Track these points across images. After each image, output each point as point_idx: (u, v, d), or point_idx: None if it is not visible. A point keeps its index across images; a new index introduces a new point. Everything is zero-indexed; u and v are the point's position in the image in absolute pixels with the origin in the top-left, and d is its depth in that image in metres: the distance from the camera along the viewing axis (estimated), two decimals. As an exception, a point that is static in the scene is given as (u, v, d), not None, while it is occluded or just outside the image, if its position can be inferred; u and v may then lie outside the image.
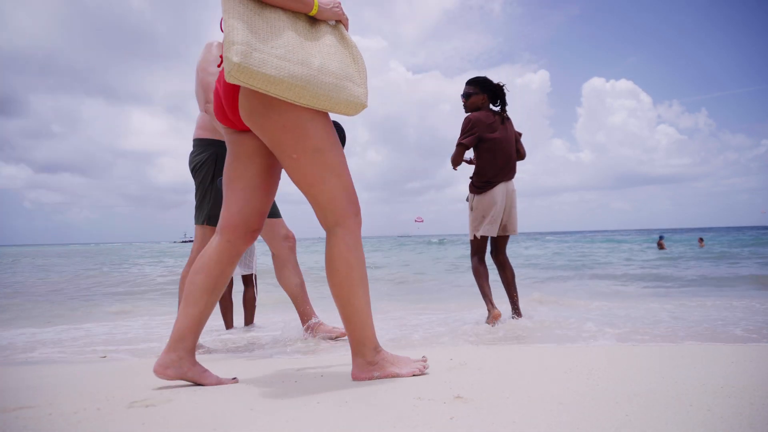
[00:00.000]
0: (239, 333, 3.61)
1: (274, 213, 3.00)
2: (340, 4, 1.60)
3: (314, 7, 1.52)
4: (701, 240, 20.15)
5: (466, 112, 3.60)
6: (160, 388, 1.58)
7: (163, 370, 1.58)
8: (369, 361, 1.60)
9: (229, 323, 3.77)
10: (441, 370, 1.69)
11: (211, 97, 2.59)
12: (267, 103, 1.47)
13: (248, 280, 3.87)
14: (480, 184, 3.51)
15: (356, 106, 1.54)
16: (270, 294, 5.59)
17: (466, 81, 3.64)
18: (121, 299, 7.03)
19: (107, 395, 1.49)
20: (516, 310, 3.51)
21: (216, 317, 4.15)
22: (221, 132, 2.11)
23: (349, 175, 1.60)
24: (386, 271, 11.19)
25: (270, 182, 1.70)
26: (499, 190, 3.49)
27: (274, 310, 5.57)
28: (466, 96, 3.58)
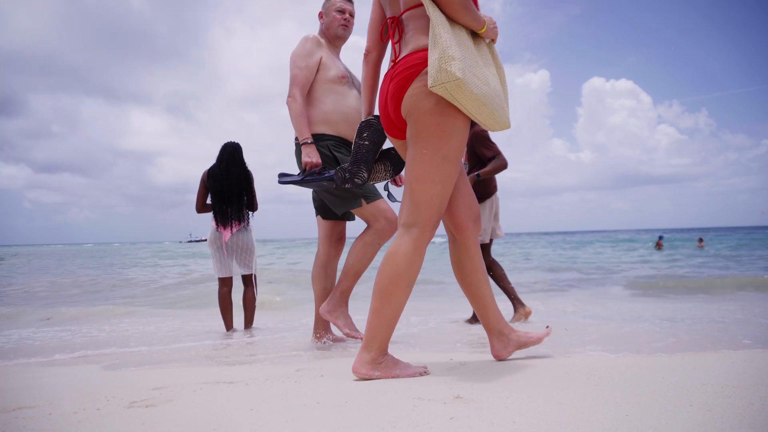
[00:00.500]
0: (240, 336, 3.61)
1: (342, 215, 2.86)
2: (497, 24, 1.72)
3: (484, 26, 1.65)
4: (700, 240, 20.12)
5: None
6: (160, 388, 1.58)
7: (502, 352, 1.85)
8: (374, 359, 1.63)
9: (229, 324, 3.77)
10: (441, 370, 1.69)
11: (292, 90, 2.59)
12: (435, 103, 1.58)
13: (248, 280, 3.87)
14: (482, 194, 3.66)
15: (506, 126, 1.71)
16: (268, 295, 5.58)
17: None
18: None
19: (107, 395, 1.49)
20: (518, 303, 3.60)
21: (217, 319, 4.15)
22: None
23: (450, 191, 1.68)
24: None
25: (464, 176, 1.86)
26: (494, 199, 3.70)
27: (273, 311, 5.58)
28: None
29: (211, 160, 3.88)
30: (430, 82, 1.51)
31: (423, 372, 1.66)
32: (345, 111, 2.68)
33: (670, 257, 13.94)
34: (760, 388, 1.32)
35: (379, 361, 1.63)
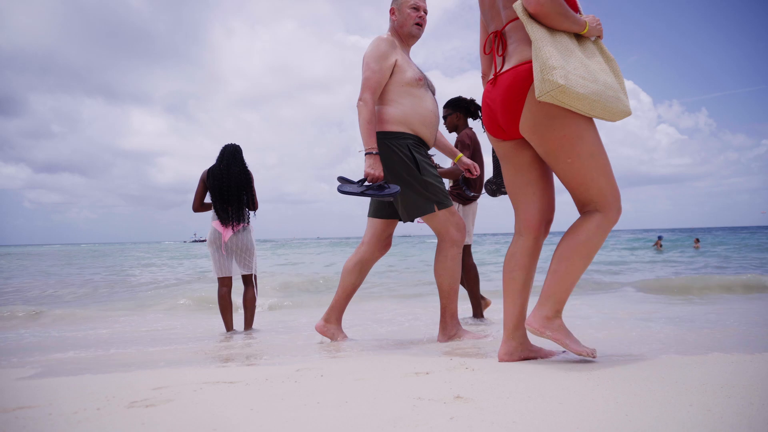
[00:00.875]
0: (240, 336, 3.61)
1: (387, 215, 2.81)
2: (599, 21, 1.80)
3: (585, 27, 1.73)
4: (697, 241, 20.09)
5: (449, 132, 3.90)
6: (160, 388, 1.58)
7: (509, 357, 1.85)
8: (547, 316, 1.73)
9: (228, 324, 3.77)
10: (441, 370, 1.69)
11: (364, 95, 2.52)
12: (552, 116, 1.68)
13: (248, 280, 3.87)
14: (468, 196, 3.77)
15: (625, 114, 1.77)
16: (266, 298, 5.57)
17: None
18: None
19: (107, 395, 1.49)
20: (478, 307, 3.81)
21: (217, 319, 4.14)
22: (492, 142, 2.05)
23: (612, 174, 1.77)
24: (397, 269, 11.18)
25: (551, 181, 1.94)
26: (473, 204, 3.78)
27: (273, 311, 5.58)
28: (444, 118, 3.85)
29: (210, 160, 3.89)
30: (537, 94, 1.61)
31: (592, 352, 1.72)
32: (423, 113, 2.62)
33: (668, 258, 13.95)
34: (760, 388, 1.32)
35: (552, 321, 1.72)
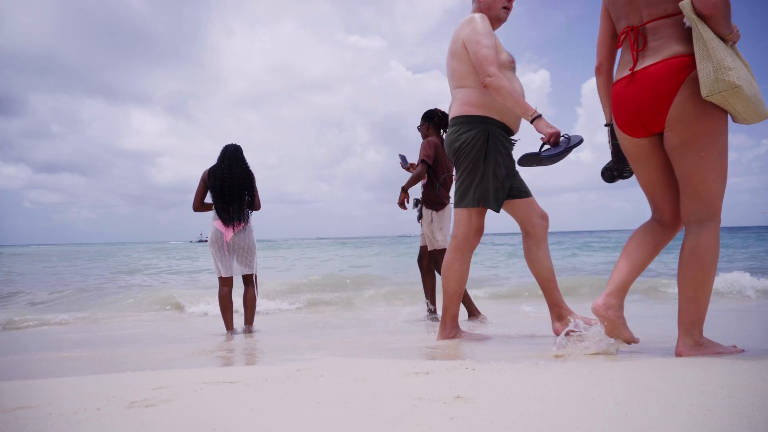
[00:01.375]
0: (240, 336, 3.61)
1: (527, 192, 2.68)
2: (737, 27, 1.84)
3: (732, 32, 1.78)
4: None
5: (422, 139, 4.19)
6: (160, 388, 1.58)
7: (605, 309, 1.93)
8: (697, 341, 1.85)
9: (229, 324, 3.77)
10: (441, 370, 1.69)
11: (491, 69, 2.35)
12: (702, 108, 1.74)
13: (248, 280, 3.87)
14: (441, 202, 4.01)
15: (766, 117, 1.82)
16: (282, 300, 5.55)
17: None
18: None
19: (107, 395, 1.49)
20: (473, 307, 3.91)
21: (218, 319, 4.15)
22: (621, 136, 2.01)
23: (726, 182, 1.85)
24: (396, 269, 11.18)
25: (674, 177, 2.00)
26: (451, 205, 3.95)
27: (270, 313, 5.57)
28: (417, 128, 4.28)
29: (211, 160, 3.89)
30: (705, 92, 1.66)
31: (738, 350, 1.87)
32: None
33: (667, 257, 13.93)
34: (760, 387, 1.32)
35: (701, 342, 1.84)
